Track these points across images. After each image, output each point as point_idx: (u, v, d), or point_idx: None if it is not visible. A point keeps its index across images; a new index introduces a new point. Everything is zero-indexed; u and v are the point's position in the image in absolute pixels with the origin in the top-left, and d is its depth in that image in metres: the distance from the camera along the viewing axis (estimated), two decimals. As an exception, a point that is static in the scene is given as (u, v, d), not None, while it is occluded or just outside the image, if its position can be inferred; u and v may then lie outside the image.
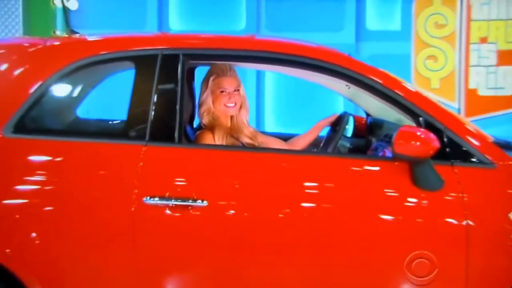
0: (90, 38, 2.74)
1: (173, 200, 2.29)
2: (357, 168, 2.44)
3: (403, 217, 2.33)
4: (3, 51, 2.65)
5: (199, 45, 2.66)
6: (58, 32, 5.53)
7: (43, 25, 5.72)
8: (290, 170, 2.42)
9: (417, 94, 2.53)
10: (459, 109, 6.05)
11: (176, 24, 6.29)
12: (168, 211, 2.30)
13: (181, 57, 2.50)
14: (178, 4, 6.31)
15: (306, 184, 2.38)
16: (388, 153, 2.57)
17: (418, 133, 2.27)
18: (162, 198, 2.29)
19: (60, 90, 2.75)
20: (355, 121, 3.43)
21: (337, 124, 3.09)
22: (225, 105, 2.90)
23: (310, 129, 3.22)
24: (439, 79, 6.15)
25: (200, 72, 3.04)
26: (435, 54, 6.13)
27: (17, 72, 2.50)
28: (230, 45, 2.69)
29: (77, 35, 2.93)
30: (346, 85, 2.78)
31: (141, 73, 2.50)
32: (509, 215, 2.31)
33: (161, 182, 2.33)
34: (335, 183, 2.38)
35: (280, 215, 2.33)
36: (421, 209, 2.33)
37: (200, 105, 2.95)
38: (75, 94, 3.02)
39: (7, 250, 2.31)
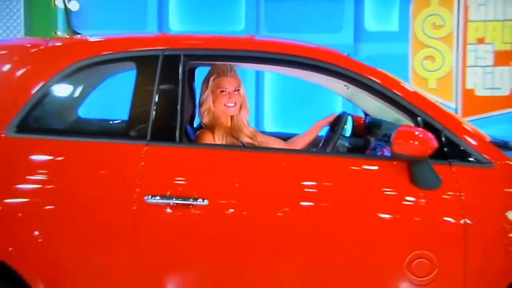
0: (91, 39, 2.75)
1: (174, 199, 2.31)
2: (356, 168, 2.46)
3: (402, 216, 2.34)
4: (5, 52, 2.67)
5: (200, 45, 2.67)
6: (59, 33, 5.54)
7: (44, 26, 5.72)
8: (289, 169, 2.43)
9: (415, 94, 2.54)
10: (456, 109, 6.06)
11: (176, 25, 6.30)
12: (169, 210, 2.32)
13: (182, 57, 2.51)
14: (178, 5, 6.32)
15: (306, 183, 2.40)
16: (387, 153, 2.58)
17: (417, 133, 2.28)
18: (163, 197, 2.31)
19: (62, 90, 2.77)
20: (353, 121, 3.45)
21: (336, 124, 3.09)
22: (225, 104, 2.92)
23: (309, 129, 3.23)
24: (436, 79, 6.17)
25: (201, 73, 3.07)
26: (432, 54, 6.15)
27: (19, 73, 2.52)
28: (230, 45, 2.70)
29: (79, 36, 2.94)
30: (345, 85, 2.80)
31: (143, 73, 2.52)
32: (506, 213, 2.32)
33: (162, 181, 2.34)
34: (334, 183, 2.40)
35: (280, 214, 2.34)
36: (419, 208, 2.35)
37: (200, 105, 2.96)
38: (77, 94, 3.04)
39: (10, 249, 2.32)
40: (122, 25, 5.95)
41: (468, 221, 2.30)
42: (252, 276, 2.37)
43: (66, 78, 2.54)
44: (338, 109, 5.10)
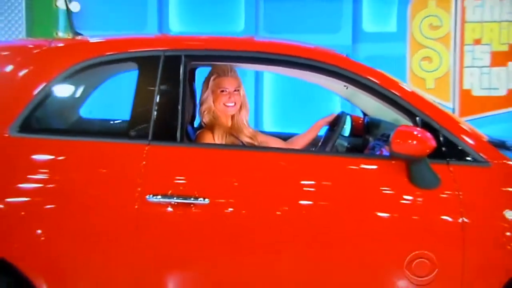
0: (93, 40, 2.77)
1: (175, 198, 2.33)
2: (354, 167, 2.47)
3: (400, 214, 2.36)
4: (7, 52, 2.68)
5: (200, 46, 2.69)
6: (60, 34, 5.55)
7: (45, 27, 5.73)
8: (289, 168, 2.45)
9: (413, 94, 2.56)
10: (453, 109, 6.09)
11: (176, 25, 6.31)
12: (170, 209, 2.33)
13: (183, 58, 2.53)
14: (178, 6, 6.34)
15: (305, 182, 2.42)
16: (385, 152, 2.60)
17: (415, 133, 2.30)
18: (164, 196, 2.33)
19: (64, 91, 2.78)
20: (352, 121, 3.46)
21: (335, 123, 3.11)
22: (224, 104, 2.94)
23: (308, 128, 3.25)
24: (434, 79, 6.19)
25: (201, 73, 3.09)
26: (430, 55, 6.18)
27: (22, 73, 2.53)
28: (230, 46, 2.72)
29: (80, 36, 2.95)
30: (344, 86, 2.82)
31: (144, 73, 2.53)
32: (504, 212, 2.34)
33: (164, 181, 2.36)
34: (333, 182, 2.41)
35: (280, 213, 2.36)
36: (417, 207, 2.36)
37: (201, 104, 2.98)
38: (78, 94, 3.05)
39: (13, 247, 2.34)
40: (122, 25, 5.96)
41: (466, 220, 2.32)
42: (253, 274, 2.38)
43: (68, 78, 2.55)
44: (337, 109, 5.12)
